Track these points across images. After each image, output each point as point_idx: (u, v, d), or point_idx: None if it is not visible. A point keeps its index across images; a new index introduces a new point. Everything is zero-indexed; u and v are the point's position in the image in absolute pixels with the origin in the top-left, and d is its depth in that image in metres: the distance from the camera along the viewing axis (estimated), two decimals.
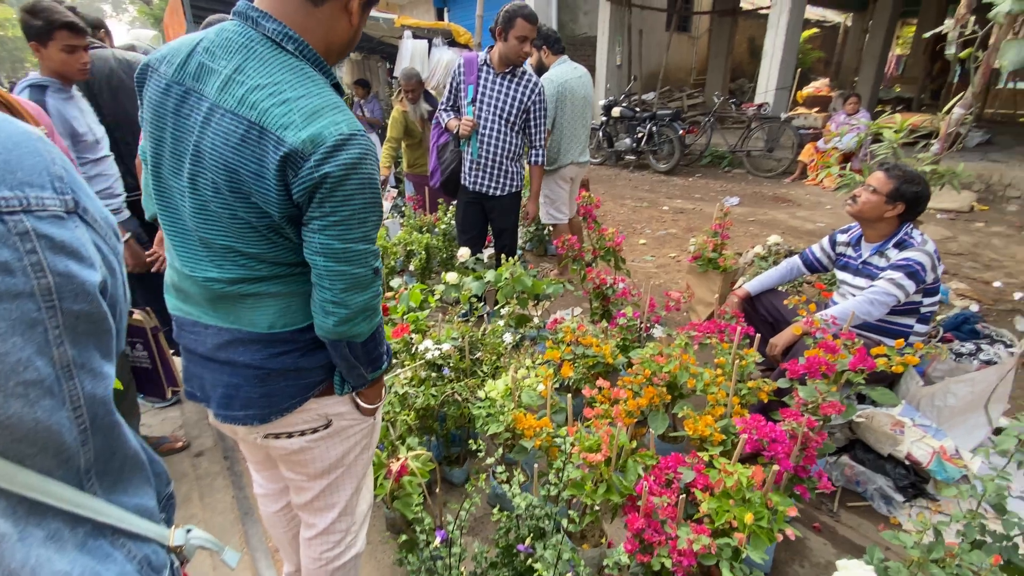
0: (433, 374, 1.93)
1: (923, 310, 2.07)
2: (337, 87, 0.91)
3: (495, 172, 2.85)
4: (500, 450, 1.65)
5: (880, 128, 3.33)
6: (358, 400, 1.07)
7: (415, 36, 5.38)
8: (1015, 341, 2.10)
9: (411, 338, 1.99)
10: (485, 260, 3.20)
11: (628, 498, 1.42)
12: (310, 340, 0.97)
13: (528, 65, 2.85)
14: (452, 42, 5.84)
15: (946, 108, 3.03)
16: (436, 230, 3.74)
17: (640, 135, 7.79)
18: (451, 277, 2.60)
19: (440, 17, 11.87)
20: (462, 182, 3.00)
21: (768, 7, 7.59)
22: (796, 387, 1.65)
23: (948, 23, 2.79)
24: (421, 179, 4.39)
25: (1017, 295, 3.59)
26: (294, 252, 0.89)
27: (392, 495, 1.51)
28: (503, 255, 2.85)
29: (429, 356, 1.84)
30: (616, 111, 8.00)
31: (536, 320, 2.38)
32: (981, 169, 5.97)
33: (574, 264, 2.71)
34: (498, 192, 2.90)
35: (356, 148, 0.81)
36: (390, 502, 1.49)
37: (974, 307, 3.43)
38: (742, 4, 12.30)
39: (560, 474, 1.31)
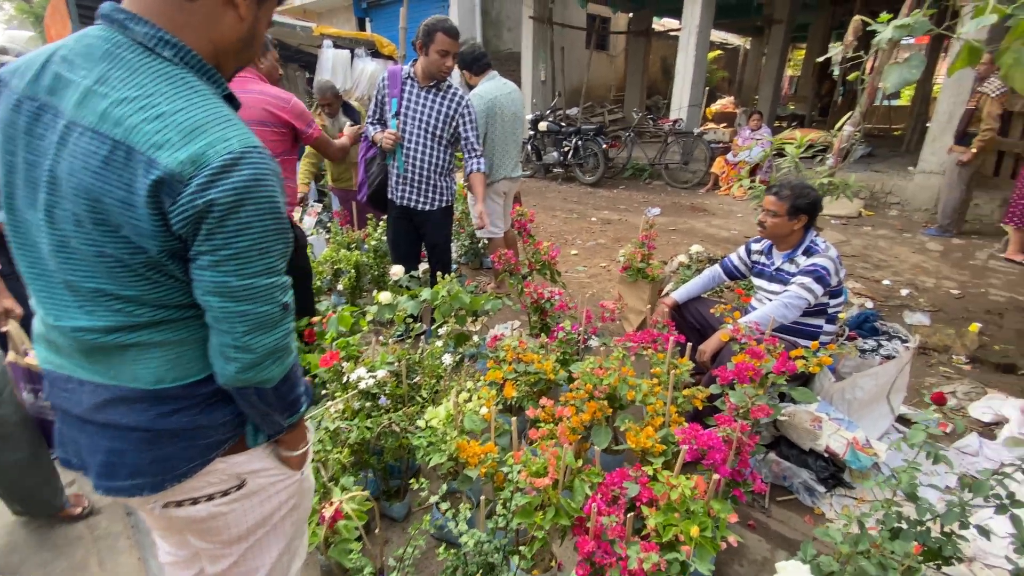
0: (368, 404, 1.82)
1: (830, 311, 2.25)
2: (230, 98, 0.81)
3: (423, 187, 2.79)
4: (444, 482, 1.57)
5: (783, 144, 3.64)
6: (280, 450, 0.95)
7: (336, 46, 5.19)
8: (909, 336, 2.34)
9: (342, 366, 1.87)
10: (420, 277, 3.11)
11: (577, 519, 1.40)
12: (208, 394, 0.83)
13: (457, 79, 2.79)
14: (375, 53, 5.70)
15: (838, 126, 3.36)
16: (366, 246, 3.59)
17: (567, 149, 8.01)
18: (384, 297, 2.49)
19: (362, 27, 11.60)
20: (389, 196, 2.92)
21: (678, 29, 8.11)
22: (727, 392, 1.72)
23: (833, 48, 3.11)
24: (347, 193, 4.22)
25: (904, 291, 4.02)
26: (181, 292, 0.77)
27: (327, 542, 1.39)
28: (438, 272, 2.78)
29: (363, 385, 1.73)
30: (543, 125, 8.18)
31: (475, 338, 2.33)
32: (866, 179, 6.69)
33: (511, 278, 2.69)
34: (427, 207, 2.84)
35: (249, 168, 0.70)
36: (324, 550, 1.37)
37: (869, 304, 3.81)
38: (654, 26, 13.08)
39: (508, 504, 1.27)
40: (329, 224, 3.94)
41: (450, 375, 2.00)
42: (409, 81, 2.68)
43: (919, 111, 9.62)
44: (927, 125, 10.34)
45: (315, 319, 2.35)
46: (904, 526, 1.38)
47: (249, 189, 0.70)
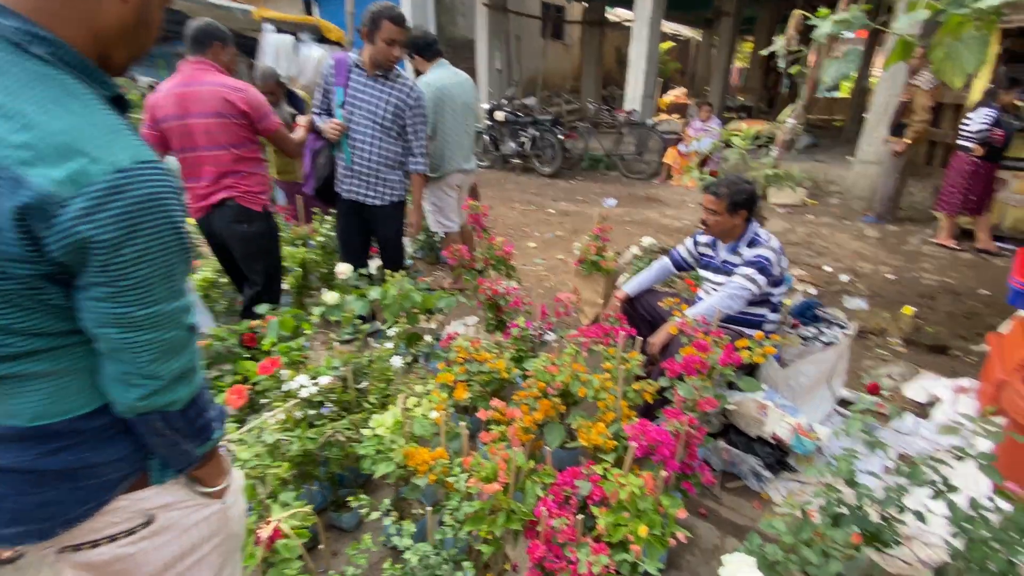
0: (311, 412, 1.73)
1: (773, 300, 2.30)
2: (119, 100, 0.71)
3: (371, 180, 2.68)
4: (394, 491, 1.51)
5: (729, 136, 3.71)
6: (196, 487, 0.86)
7: (278, 30, 4.92)
8: (847, 323, 2.43)
9: (282, 374, 1.77)
10: (371, 275, 3.01)
11: (528, 522, 1.37)
12: (100, 428, 0.74)
13: (407, 68, 2.66)
14: (322, 38, 5.44)
15: (780, 118, 3.45)
16: (313, 243, 3.44)
17: (524, 139, 7.96)
18: (330, 297, 2.38)
19: (308, 11, 11.09)
20: (335, 189, 2.80)
21: (632, 20, 8.16)
22: (676, 386, 1.73)
23: (778, 41, 3.18)
24: (292, 186, 4.03)
25: (844, 277, 4.21)
26: (62, 319, 0.67)
27: (266, 563, 1.31)
28: (389, 268, 2.71)
29: (304, 394, 1.64)
30: (500, 115, 8.09)
31: (428, 338, 2.26)
32: (810, 168, 6.96)
33: (466, 274, 2.63)
34: (377, 202, 2.75)
35: (142, 187, 0.62)
36: (263, 572, 1.29)
37: (812, 291, 3.97)
38: (608, 16, 13.14)
39: (456, 514, 1.22)
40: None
41: (401, 378, 1.93)
42: (356, 69, 2.57)
43: (858, 103, 10.11)
44: (865, 116, 10.90)
45: (254, 323, 2.22)
46: (845, 511, 1.42)
47: (145, 211, 0.62)
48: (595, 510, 1.31)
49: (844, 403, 2.51)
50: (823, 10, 2.83)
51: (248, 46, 6.13)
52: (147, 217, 0.63)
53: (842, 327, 2.39)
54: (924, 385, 2.63)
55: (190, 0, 4.53)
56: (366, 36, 2.46)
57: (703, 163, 7.43)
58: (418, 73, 3.34)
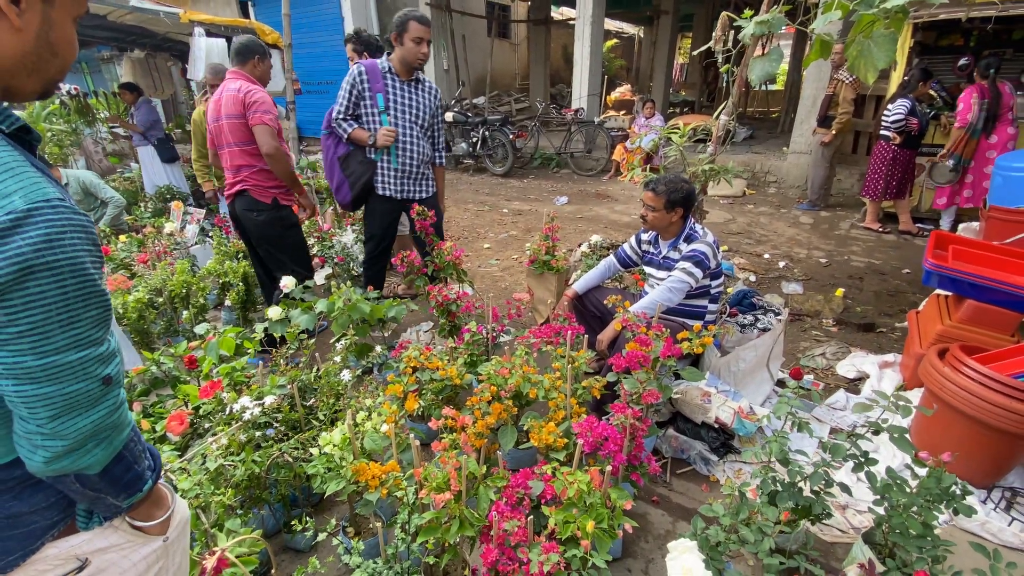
0: (257, 433, 1.68)
1: (712, 291, 2.41)
2: (21, 135, 0.67)
3: (419, 177, 2.91)
4: (346, 509, 1.49)
5: (669, 132, 3.84)
6: (133, 521, 0.82)
7: (209, 33, 4.71)
8: (781, 310, 2.57)
9: (223, 396, 1.71)
10: (317, 284, 2.94)
11: (483, 528, 1.39)
12: (22, 476, 0.71)
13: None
14: None
15: (715, 115, 3.60)
16: None
17: (475, 140, 7.95)
18: (273, 312, 2.32)
19: (245, 13, 10.67)
20: (380, 192, 2.90)
21: (572, 19, 8.28)
22: (622, 380, 1.78)
23: (713, 40, 3.33)
24: None
25: (781, 263, 4.44)
26: None
27: None
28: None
29: (247, 416, 1.60)
30: (450, 116, 8.05)
31: (379, 348, 2.23)
32: (748, 160, 7.28)
33: (417, 281, 2.61)
34: (423, 195, 2.99)
35: (38, 228, 0.59)
36: None
37: (752, 277, 4.17)
38: (554, 14, 13.28)
39: (407, 527, 1.22)
40: (212, 232, 3.60)
41: (351, 392, 1.90)
42: (390, 76, 2.70)
43: (791, 95, 10.63)
44: (798, 108, 11.47)
45: (192, 344, 2.14)
46: (779, 489, 1.51)
47: (40, 253, 0.59)
48: (545, 509, 1.34)
49: (782, 384, 2.66)
50: (747, 12, 2.98)
51: (180, 50, 5.86)
52: (42, 259, 0.59)
53: (776, 313, 2.53)
54: (854, 362, 2.81)
55: (114, 4, 4.27)
56: (395, 39, 2.61)
57: (648, 159, 7.64)
58: None
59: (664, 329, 1.84)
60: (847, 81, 5.39)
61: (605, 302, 2.22)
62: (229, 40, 4.98)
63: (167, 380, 2.09)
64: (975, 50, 5.36)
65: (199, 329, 2.18)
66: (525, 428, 1.67)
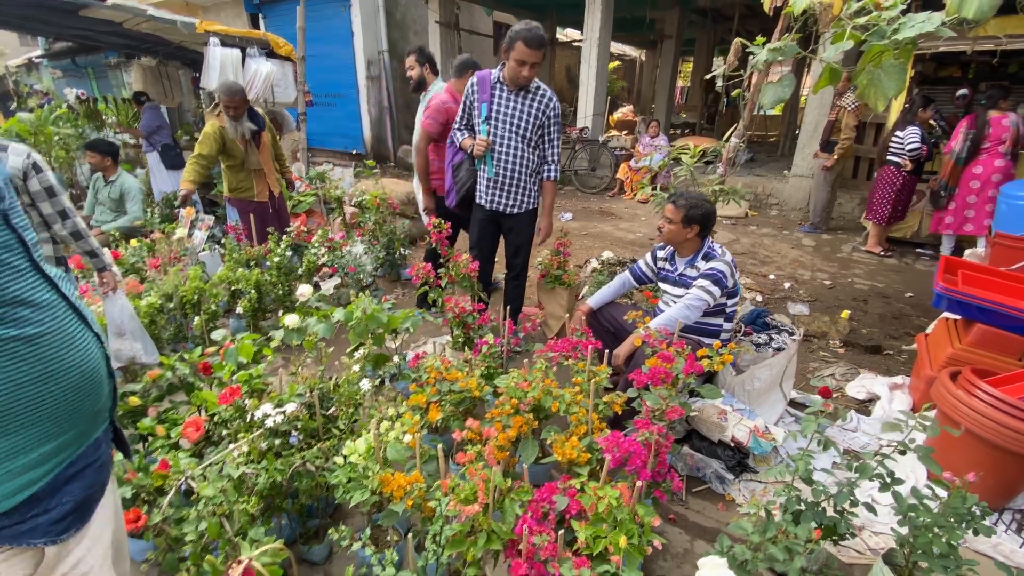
0: (277, 442, 1.66)
1: (728, 310, 2.43)
2: None
3: (513, 190, 2.83)
4: (367, 519, 1.47)
5: (679, 153, 3.90)
6: None
7: (224, 44, 4.77)
8: (794, 329, 2.59)
9: (244, 403, 1.70)
10: (327, 295, 2.95)
11: (509, 541, 1.38)
12: None
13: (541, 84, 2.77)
14: (271, 53, 5.32)
15: (725, 137, 3.66)
16: (267, 263, 3.33)
17: None
18: (291, 320, 2.31)
19: (255, 25, 10.81)
20: (477, 200, 2.93)
21: (581, 40, 8.44)
22: (643, 396, 1.79)
23: (716, 62, 3.41)
24: (246, 204, 3.89)
25: (787, 284, 4.48)
26: None
27: None
28: (516, 275, 3.03)
29: (269, 423, 1.58)
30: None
31: (396, 359, 2.23)
32: (750, 182, 7.38)
33: (431, 293, 2.62)
34: (516, 210, 2.88)
35: None
36: None
37: (759, 298, 4.20)
38: (558, 36, 13.52)
39: (438, 538, 1.21)
40: (223, 239, 3.60)
41: (370, 401, 1.89)
42: (499, 85, 2.69)
43: (789, 120, 10.84)
44: (797, 133, 11.68)
45: (209, 350, 2.13)
46: (803, 508, 1.51)
47: None
48: (575, 524, 1.33)
49: (794, 404, 2.67)
50: (760, 38, 3.05)
51: (192, 59, 5.92)
52: None
53: (790, 333, 2.55)
54: (863, 384, 2.82)
55: (134, 13, 4.33)
56: (504, 53, 2.58)
57: (653, 178, 7.74)
58: (421, 83, 3.60)
59: (685, 345, 1.85)
60: (849, 108, 5.50)
61: (625, 318, 2.23)
62: (243, 51, 5.04)
63: (181, 386, 2.07)
64: (973, 82, 5.50)
65: (216, 335, 2.17)
66: (549, 442, 1.66)
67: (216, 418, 1.83)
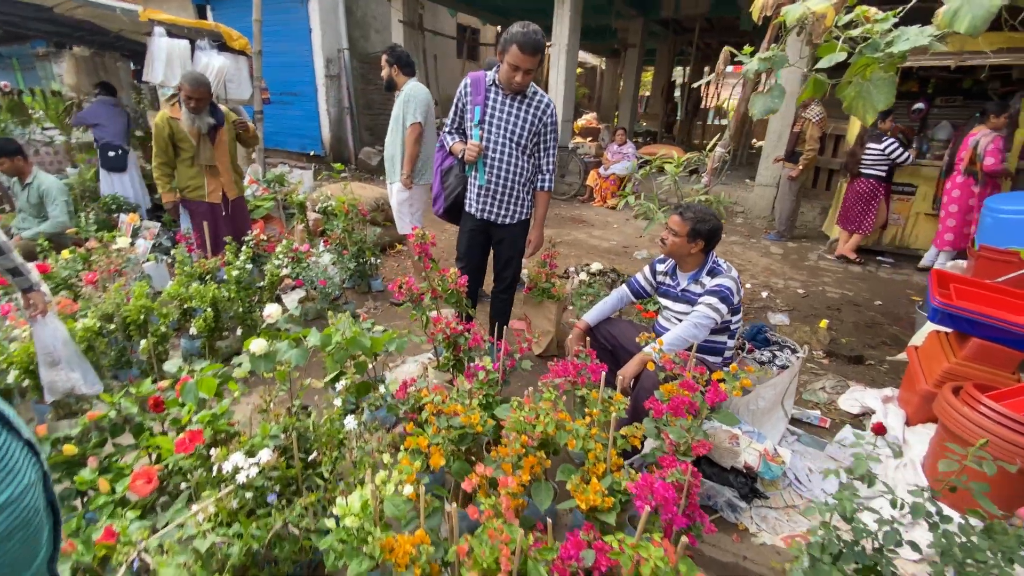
0: (248, 495, 1.40)
1: (732, 327, 2.33)
2: None
3: (505, 199, 2.65)
4: None
5: (663, 162, 3.84)
6: None
7: (170, 34, 4.34)
8: (797, 346, 2.53)
9: (209, 452, 1.43)
10: (297, 316, 2.66)
11: None
12: None
13: (536, 88, 2.58)
14: (223, 46, 4.91)
15: (709, 147, 3.62)
16: (224, 275, 2.99)
17: None
18: (257, 345, 2.02)
19: (201, 16, 10.16)
20: (466, 209, 2.75)
21: (548, 45, 8.36)
22: (666, 429, 1.64)
23: (676, 72, 3.38)
24: (196, 206, 3.51)
25: (764, 294, 4.50)
26: None
27: None
28: (506, 288, 2.85)
29: (242, 478, 1.33)
30: None
31: (382, 389, 1.99)
32: (716, 190, 7.48)
33: (414, 310, 2.39)
34: (508, 220, 2.71)
35: None
36: None
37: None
38: None
39: None
40: (173, 249, 3.23)
41: (356, 440, 1.66)
42: (493, 88, 2.51)
43: (746, 130, 11.17)
44: (751, 142, 12.05)
45: (162, 384, 1.82)
46: (843, 549, 1.40)
47: None
48: None
49: (794, 421, 2.61)
50: (748, 47, 3.01)
51: (133, 49, 5.40)
52: None
53: (793, 350, 2.48)
54: (855, 397, 2.81)
55: None
56: (499, 55, 2.42)
57: (622, 185, 7.74)
58: (392, 83, 3.49)
59: (705, 371, 1.72)
60: (813, 120, 5.65)
61: (637, 340, 2.09)
62: (192, 43, 4.62)
63: (127, 426, 1.76)
64: (930, 97, 5.76)
65: (170, 366, 1.86)
66: (568, 486, 1.48)
67: (172, 466, 1.55)
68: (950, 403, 2.09)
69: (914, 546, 1.38)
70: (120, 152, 4.84)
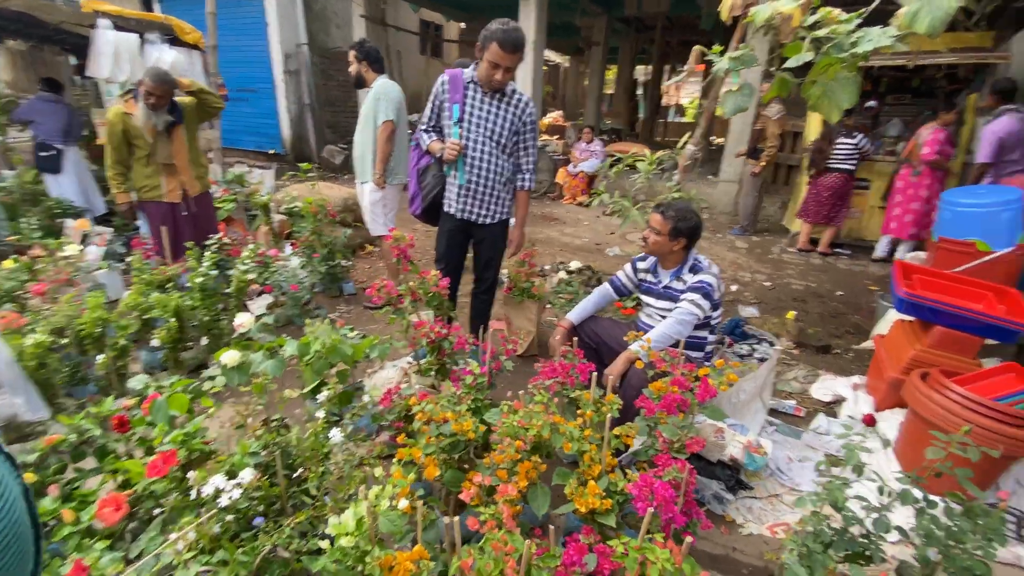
0: (229, 518, 1.32)
1: (712, 323, 2.37)
2: None
3: (486, 199, 2.60)
4: None
5: (636, 160, 3.87)
6: None
7: (117, 27, 4.08)
8: (774, 339, 2.59)
9: (188, 475, 1.34)
10: (262, 313, 2.55)
11: None
12: None
13: (516, 85, 2.53)
14: (175, 40, 4.66)
15: (680, 144, 3.68)
16: (188, 283, 2.83)
17: None
18: (229, 357, 1.92)
19: (148, 8, 9.62)
20: (445, 209, 2.69)
21: None
22: (659, 427, 1.64)
23: (638, 70, 3.43)
24: (155, 208, 3.30)
25: (733, 287, 4.61)
26: None
27: None
28: (486, 289, 2.83)
29: (225, 501, 1.25)
30: None
31: (366, 398, 1.92)
32: (675, 187, 7.64)
33: (394, 314, 2.32)
34: (488, 220, 2.66)
35: None
36: None
37: None
38: None
39: None
40: (130, 256, 3.03)
41: (342, 454, 1.58)
42: (472, 86, 2.45)
43: (703, 128, 11.46)
44: (710, 139, 12.36)
45: (127, 401, 1.70)
46: (835, 538, 1.44)
47: None
48: None
49: (772, 412, 2.67)
50: (717, 47, 3.06)
51: (75, 43, 5.05)
52: None
53: (771, 343, 2.54)
54: (826, 385, 2.91)
55: None
56: (478, 53, 2.36)
57: (591, 182, 7.81)
58: (361, 80, 3.39)
59: (696, 367, 1.73)
60: (774, 118, 5.83)
61: (625, 339, 2.09)
62: (141, 36, 4.36)
63: (91, 450, 1.64)
64: (882, 95, 6.04)
65: (135, 382, 1.73)
66: (567, 490, 1.46)
67: (142, 491, 1.45)
68: (920, 390, 2.18)
69: (902, 531, 1.43)
70: (55, 152, 4.50)
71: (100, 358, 2.25)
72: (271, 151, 9.55)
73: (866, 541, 1.45)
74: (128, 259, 3.10)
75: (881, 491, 1.44)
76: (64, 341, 2.27)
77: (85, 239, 3.34)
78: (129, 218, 3.30)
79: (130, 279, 3.69)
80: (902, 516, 1.85)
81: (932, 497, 1.44)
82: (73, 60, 5.54)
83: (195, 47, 4.88)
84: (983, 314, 2.28)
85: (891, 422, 2.52)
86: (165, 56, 4.44)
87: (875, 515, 1.41)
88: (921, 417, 2.17)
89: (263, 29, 8.81)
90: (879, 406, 2.67)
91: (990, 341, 2.42)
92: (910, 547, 1.48)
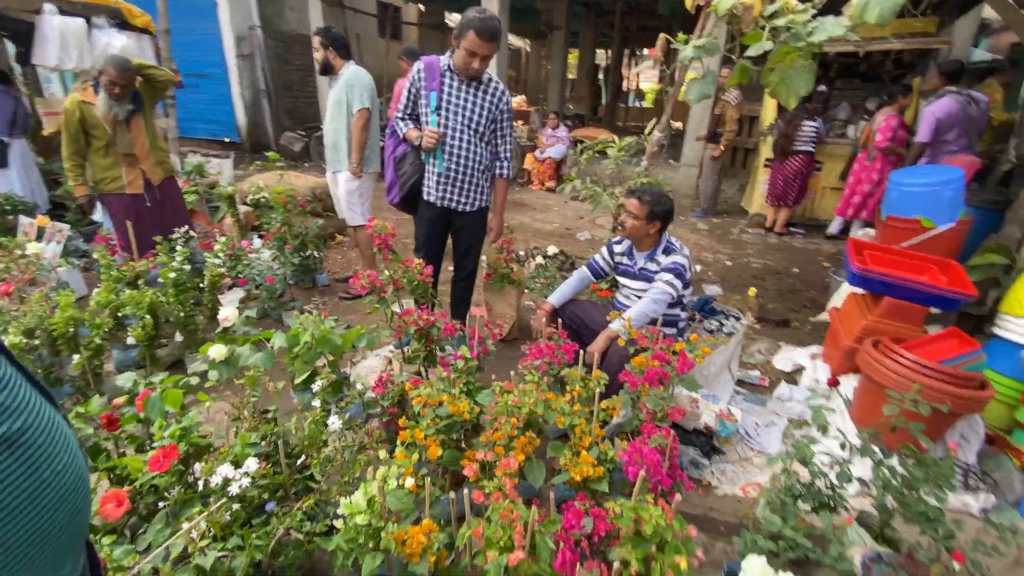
0: (236, 507, 1.35)
1: (684, 300, 2.51)
2: None
3: (466, 186, 2.63)
4: None
5: (605, 146, 3.97)
6: None
7: (63, 12, 3.84)
8: (740, 314, 2.76)
9: (193, 469, 1.36)
10: (254, 317, 2.53)
11: None
12: None
13: (492, 74, 2.54)
14: (124, 24, 4.42)
15: (647, 131, 3.79)
16: (160, 279, 2.76)
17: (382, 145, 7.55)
18: (216, 351, 1.91)
19: None
20: (425, 197, 2.70)
21: None
22: (642, 399, 1.76)
23: (598, 54, 3.53)
24: (118, 200, 3.17)
25: (697, 267, 4.81)
26: None
27: None
28: (466, 276, 2.88)
29: (235, 489, 1.28)
30: None
31: (359, 386, 1.96)
32: (641, 171, 7.82)
33: (378, 303, 2.34)
34: (468, 208, 2.70)
35: None
36: None
37: None
38: (448, 21, 13.16)
39: None
40: (94, 252, 2.92)
41: (339, 441, 1.62)
42: (448, 73, 2.46)
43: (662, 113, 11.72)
44: (670, 123, 12.64)
45: (117, 400, 1.68)
46: (803, 492, 1.59)
47: None
48: (623, 551, 1.25)
49: (738, 382, 2.85)
50: (682, 35, 3.17)
51: (18, 29, 4.70)
52: None
53: (737, 318, 2.71)
54: (787, 356, 3.12)
55: None
56: (454, 40, 2.36)
57: (558, 168, 7.89)
58: (329, 67, 3.31)
59: (675, 342, 1.85)
60: (733, 103, 6.04)
61: (608, 318, 2.19)
62: (88, 20, 4.12)
63: (83, 449, 1.61)
64: (831, 80, 6.34)
65: (123, 380, 1.71)
66: (562, 462, 1.56)
67: (142, 486, 1.46)
68: (873, 356, 2.38)
69: (862, 482, 1.60)
70: (1, 145, 4.24)
71: (75, 358, 2.18)
72: (226, 139, 9.19)
73: (831, 493, 1.62)
74: (88, 256, 2.99)
75: (843, 447, 1.59)
76: (35, 342, 2.19)
77: (41, 235, 3.19)
78: (88, 210, 3.16)
79: (91, 276, 3.57)
80: (861, 469, 2.05)
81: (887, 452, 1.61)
82: (11, 47, 5.15)
83: (145, 31, 4.65)
84: (928, 285, 2.49)
85: (846, 387, 2.74)
86: (114, 41, 4.22)
87: (838, 468, 1.57)
88: (874, 381, 2.37)
89: (213, 10, 8.41)
90: (835, 373, 2.89)
91: (934, 310, 2.65)
92: (869, 499, 1.66)
